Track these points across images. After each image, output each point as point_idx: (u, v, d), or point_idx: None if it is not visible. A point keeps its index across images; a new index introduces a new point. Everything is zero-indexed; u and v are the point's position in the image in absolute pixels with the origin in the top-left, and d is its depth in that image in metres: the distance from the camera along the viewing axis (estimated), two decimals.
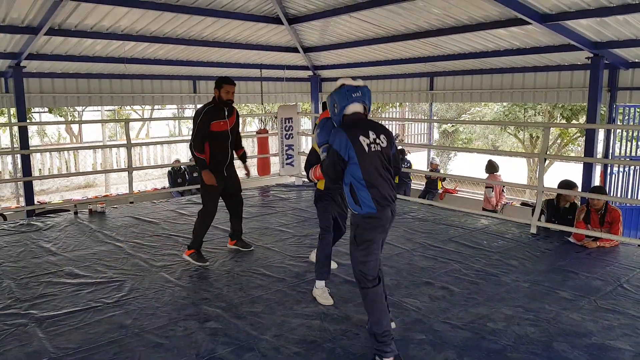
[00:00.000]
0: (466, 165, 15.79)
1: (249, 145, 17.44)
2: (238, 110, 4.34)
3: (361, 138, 2.51)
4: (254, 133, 11.77)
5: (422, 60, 9.02)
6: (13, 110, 8.51)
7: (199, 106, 13.54)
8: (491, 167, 8.62)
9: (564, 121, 13.58)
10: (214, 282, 3.74)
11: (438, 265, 4.13)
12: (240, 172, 4.53)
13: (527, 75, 8.47)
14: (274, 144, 11.46)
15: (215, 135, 4.10)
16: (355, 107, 2.63)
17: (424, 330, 3.01)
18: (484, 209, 8.25)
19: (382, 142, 2.59)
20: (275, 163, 9.93)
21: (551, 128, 12.02)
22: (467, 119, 17.16)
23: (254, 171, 8.16)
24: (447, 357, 2.70)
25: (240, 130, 4.47)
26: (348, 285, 3.63)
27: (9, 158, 11.74)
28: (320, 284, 3.46)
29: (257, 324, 3.04)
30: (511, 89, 8.83)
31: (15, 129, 8.75)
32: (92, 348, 2.75)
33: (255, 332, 2.93)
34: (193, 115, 4.24)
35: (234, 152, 4.38)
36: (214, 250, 4.46)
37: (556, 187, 5.16)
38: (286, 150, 8.21)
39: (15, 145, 9.51)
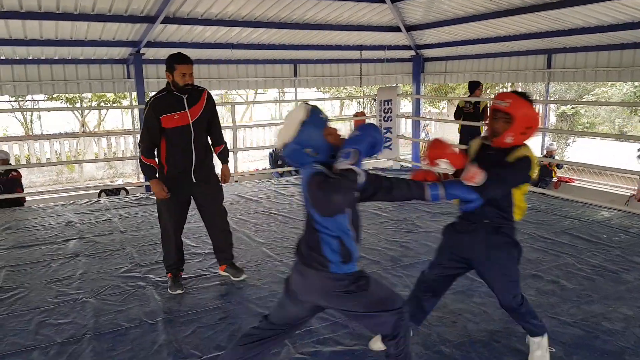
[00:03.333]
0: (587, 152, 14.37)
1: (347, 129, 17.57)
2: (207, 94, 3.24)
3: None
4: (351, 116, 11.80)
5: (538, 36, 8.27)
6: (134, 95, 9.40)
7: (299, 90, 13.94)
8: None
9: None
10: None
11: (548, 257, 3.82)
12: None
13: None
14: None
15: (170, 133, 3.08)
16: None
17: None
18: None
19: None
20: None
21: None
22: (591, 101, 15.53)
23: None
24: (554, 354, 2.50)
25: (217, 120, 3.37)
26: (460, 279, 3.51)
27: (130, 138, 13.01)
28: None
29: None
30: None
31: (136, 111, 9.66)
32: (200, 312, 2.97)
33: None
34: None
35: (207, 150, 3.31)
36: None
37: None
38: (384, 134, 8.08)
39: (135, 127, 10.51)
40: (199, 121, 3.14)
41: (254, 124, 17.51)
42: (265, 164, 13.16)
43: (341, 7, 8.13)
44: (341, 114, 20.91)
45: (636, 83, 12.65)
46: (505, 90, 18.52)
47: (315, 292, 1.95)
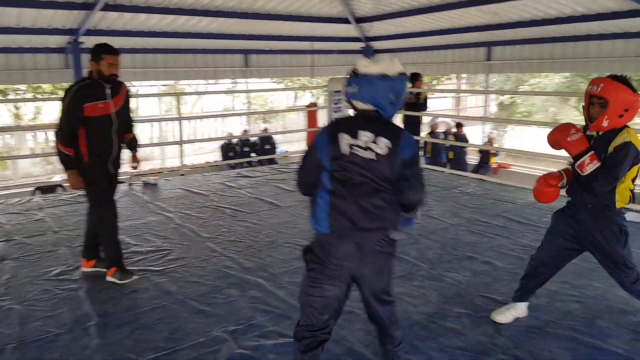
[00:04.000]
0: (524, 139, 15.08)
1: (300, 120, 17.54)
2: (126, 86, 3.31)
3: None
4: (304, 106, 11.81)
5: (479, 29, 8.61)
6: None
7: (250, 81, 13.68)
8: None
9: None
10: (257, 252, 3.82)
11: (483, 240, 4.02)
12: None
13: (592, 44, 7.92)
14: (324, 117, 11.44)
15: (91, 122, 3.08)
16: None
17: (463, 303, 2.96)
18: None
19: (379, 149, 1.84)
20: None
21: None
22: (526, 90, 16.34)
23: (297, 146, 7.72)
24: (485, 332, 2.65)
25: (130, 111, 3.44)
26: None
27: None
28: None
29: (297, 293, 3.05)
30: (573, 58, 8.30)
31: None
32: (137, 313, 2.89)
33: (294, 302, 2.96)
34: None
35: (122, 142, 3.34)
36: (259, 222, 4.54)
37: None
38: None
39: None
40: (120, 112, 3.22)
41: (201, 115, 17.16)
42: (217, 156, 12.97)
43: None
44: (295, 104, 20.84)
45: (566, 74, 13.40)
46: (449, 80, 19.14)
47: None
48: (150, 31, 8.49)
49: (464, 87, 19.25)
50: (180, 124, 6.86)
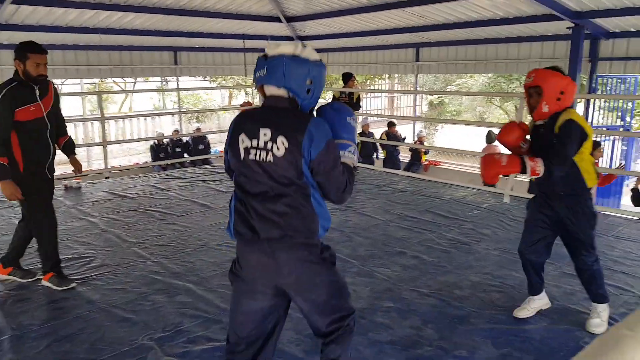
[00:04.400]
0: (454, 137, 15.83)
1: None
2: (53, 85, 3.16)
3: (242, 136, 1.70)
4: (238, 105, 11.64)
5: (407, 31, 8.90)
6: None
7: (181, 79, 13.25)
8: (489, 138, 8.44)
9: None
10: (187, 256, 3.71)
11: (413, 235, 4.15)
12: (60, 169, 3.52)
13: (511, 46, 8.43)
14: None
15: (25, 127, 2.92)
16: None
17: (392, 298, 3.03)
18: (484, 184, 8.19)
19: (277, 149, 1.63)
20: None
21: None
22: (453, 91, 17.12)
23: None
24: (412, 324, 2.73)
25: (62, 112, 3.32)
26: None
27: None
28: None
29: (227, 297, 3.02)
30: (495, 59, 8.80)
31: None
32: (56, 324, 2.73)
33: (224, 305, 2.92)
34: None
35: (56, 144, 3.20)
36: (190, 225, 4.42)
37: None
38: None
39: None
40: (51, 113, 3.10)
41: (127, 114, 16.47)
42: (147, 157, 12.48)
43: None
44: (230, 103, 20.50)
45: (490, 74, 14.22)
46: (383, 80, 19.64)
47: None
48: (69, 26, 8.02)
49: (397, 87, 19.80)
50: (103, 124, 6.53)
